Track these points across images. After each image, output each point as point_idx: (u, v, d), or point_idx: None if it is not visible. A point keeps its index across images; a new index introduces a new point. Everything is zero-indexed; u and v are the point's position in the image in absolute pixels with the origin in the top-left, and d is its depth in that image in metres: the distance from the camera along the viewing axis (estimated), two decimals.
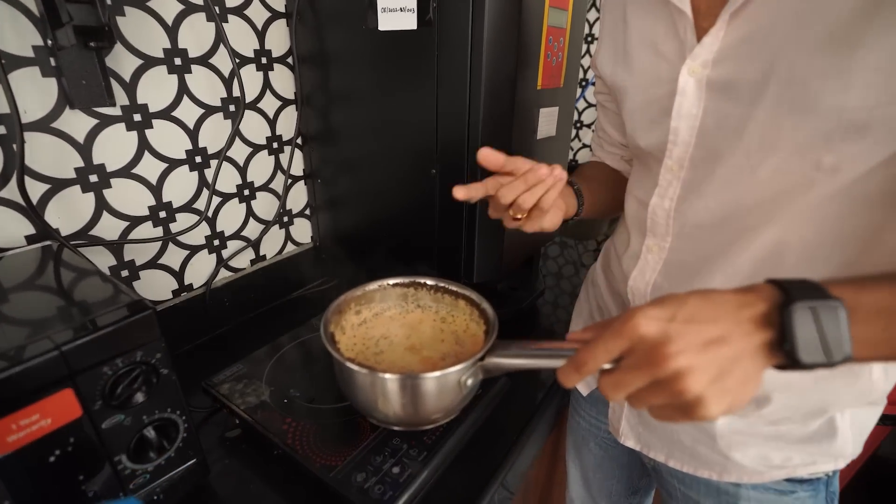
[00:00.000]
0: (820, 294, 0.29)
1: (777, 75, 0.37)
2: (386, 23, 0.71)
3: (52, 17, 0.54)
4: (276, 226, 0.90)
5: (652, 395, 0.31)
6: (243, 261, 0.86)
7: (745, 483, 0.51)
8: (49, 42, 0.55)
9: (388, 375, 0.43)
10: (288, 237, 0.93)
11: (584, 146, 1.62)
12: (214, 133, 0.75)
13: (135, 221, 0.68)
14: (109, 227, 0.66)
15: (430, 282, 0.58)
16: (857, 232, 0.38)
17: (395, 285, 0.58)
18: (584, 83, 1.53)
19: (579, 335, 0.37)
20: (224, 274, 0.83)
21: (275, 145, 0.85)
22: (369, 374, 0.44)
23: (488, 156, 0.46)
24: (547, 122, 0.83)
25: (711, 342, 0.29)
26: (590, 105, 1.57)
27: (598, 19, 1.41)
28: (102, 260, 0.66)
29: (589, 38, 1.46)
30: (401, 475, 0.51)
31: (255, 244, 0.87)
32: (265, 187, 0.86)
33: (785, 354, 0.29)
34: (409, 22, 0.69)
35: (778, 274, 0.33)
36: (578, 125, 1.61)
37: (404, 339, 0.56)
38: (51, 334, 0.39)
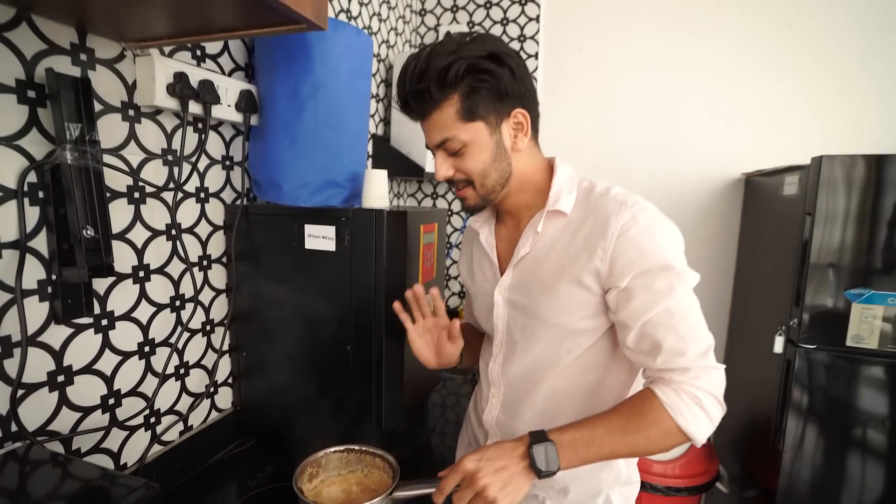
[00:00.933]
0: (544, 438, 0.61)
1: (533, 301, 0.72)
2: (311, 244, 1.00)
3: (63, 259, 0.71)
4: (204, 396, 1.02)
5: (476, 501, 0.59)
6: (173, 433, 0.95)
7: None
8: (54, 276, 0.72)
9: None
10: (213, 405, 1.05)
11: (454, 293, 2.04)
12: (162, 325, 0.91)
13: (87, 412, 0.78)
14: (64, 420, 0.75)
15: (356, 447, 0.81)
16: (589, 384, 0.73)
17: (334, 452, 0.80)
18: (448, 246, 1.99)
19: (443, 473, 0.64)
20: (155, 448, 0.91)
21: (208, 328, 1.02)
22: None
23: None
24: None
25: (499, 469, 0.59)
26: (454, 262, 2.02)
27: (454, 233, 2.02)
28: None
29: (448, 245, 2.00)
30: None
31: (185, 417, 0.98)
32: (198, 364, 1.00)
33: (535, 471, 0.60)
34: (328, 245, 0.99)
35: (557, 407, 0.69)
36: (447, 278, 2.04)
37: (340, 494, 0.77)
38: None
